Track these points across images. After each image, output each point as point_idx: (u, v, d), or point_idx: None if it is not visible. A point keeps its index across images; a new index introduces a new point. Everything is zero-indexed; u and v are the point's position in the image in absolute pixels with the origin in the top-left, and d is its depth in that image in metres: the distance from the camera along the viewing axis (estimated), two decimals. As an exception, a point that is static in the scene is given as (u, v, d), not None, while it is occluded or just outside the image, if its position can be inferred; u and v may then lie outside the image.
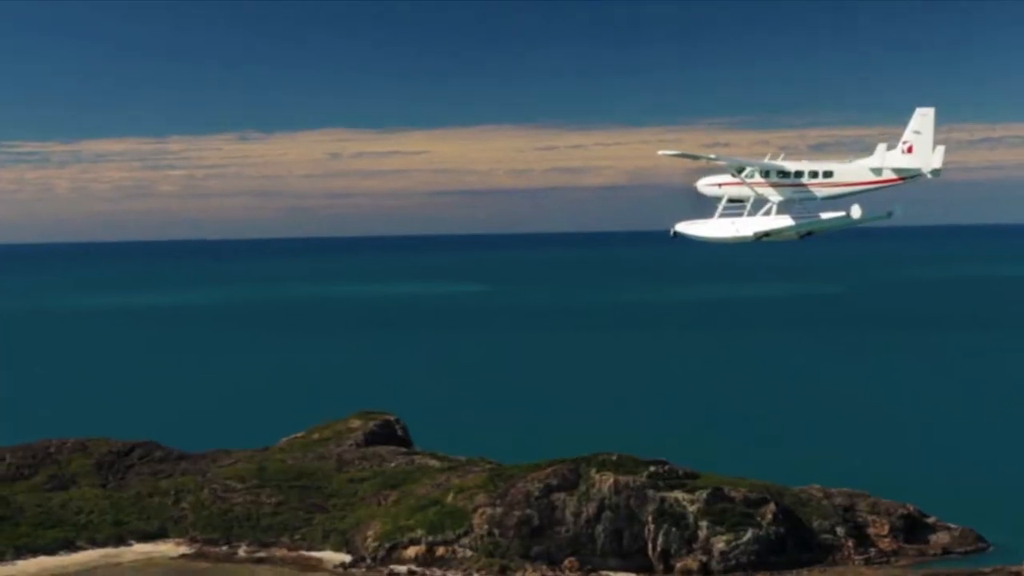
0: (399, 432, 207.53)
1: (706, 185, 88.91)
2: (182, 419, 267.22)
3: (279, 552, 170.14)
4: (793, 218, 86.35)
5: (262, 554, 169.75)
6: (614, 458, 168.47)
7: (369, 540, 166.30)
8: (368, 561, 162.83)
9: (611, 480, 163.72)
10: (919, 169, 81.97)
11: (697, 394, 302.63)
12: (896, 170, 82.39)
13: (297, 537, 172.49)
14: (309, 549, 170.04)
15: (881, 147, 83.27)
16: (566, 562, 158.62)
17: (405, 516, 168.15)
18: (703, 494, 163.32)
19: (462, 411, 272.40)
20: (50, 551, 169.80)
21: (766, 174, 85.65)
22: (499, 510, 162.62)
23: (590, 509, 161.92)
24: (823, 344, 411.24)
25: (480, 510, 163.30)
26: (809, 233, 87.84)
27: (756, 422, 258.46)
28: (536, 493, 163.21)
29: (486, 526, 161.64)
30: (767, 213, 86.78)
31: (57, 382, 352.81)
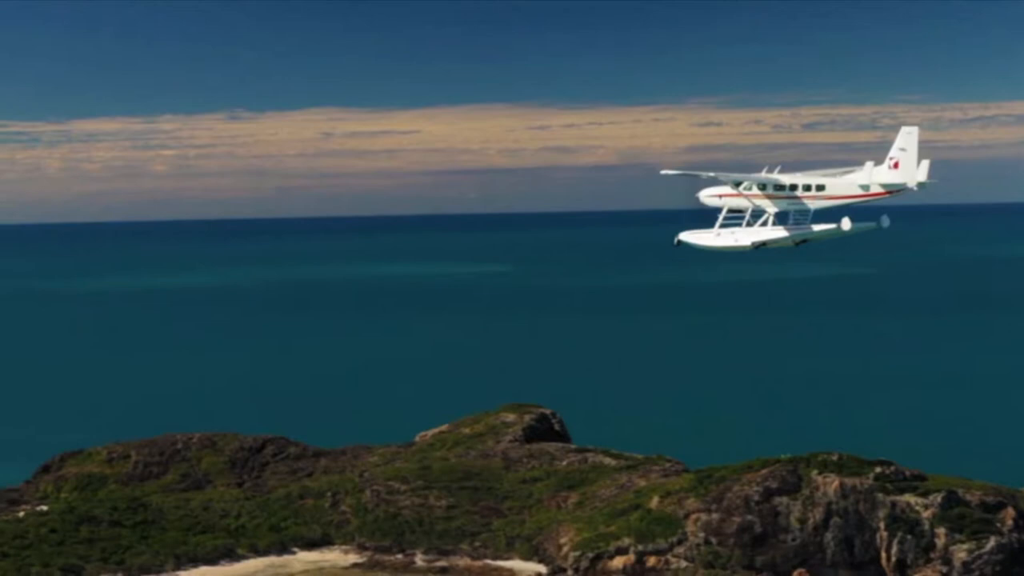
0: (556, 427, 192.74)
1: (708, 196, 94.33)
2: (300, 411, 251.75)
3: (461, 561, 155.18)
4: (788, 229, 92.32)
5: (443, 563, 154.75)
6: (835, 458, 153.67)
7: (566, 549, 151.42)
8: (570, 573, 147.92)
9: (836, 483, 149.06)
10: (905, 183, 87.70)
11: (866, 383, 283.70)
12: (883, 185, 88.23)
13: (477, 544, 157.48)
14: (495, 558, 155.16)
15: (869, 164, 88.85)
16: (795, 573, 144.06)
17: (603, 522, 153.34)
18: (937, 498, 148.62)
19: (606, 402, 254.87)
20: (211, 560, 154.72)
21: (763, 187, 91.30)
22: (715, 516, 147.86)
23: (816, 515, 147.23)
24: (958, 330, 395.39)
25: (693, 516, 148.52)
26: (804, 241, 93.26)
27: (947, 415, 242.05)
28: (756, 497, 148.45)
29: (702, 534, 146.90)
30: (764, 224, 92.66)
31: (144, 370, 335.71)
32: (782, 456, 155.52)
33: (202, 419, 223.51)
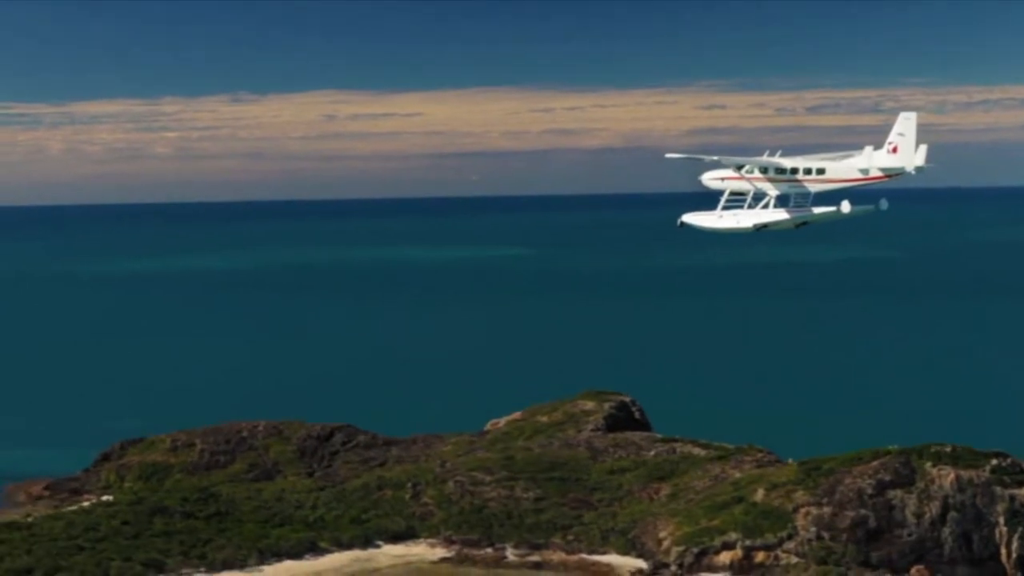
0: (636, 415, 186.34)
1: (710, 179, 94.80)
2: (362, 398, 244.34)
3: (555, 555, 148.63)
4: (789, 211, 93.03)
5: (536, 558, 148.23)
6: (949, 449, 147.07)
7: (666, 543, 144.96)
8: (673, 568, 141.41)
9: (952, 475, 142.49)
10: (903, 168, 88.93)
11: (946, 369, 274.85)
12: (882, 169, 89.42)
13: (570, 537, 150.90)
14: (590, 552, 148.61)
15: (868, 148, 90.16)
16: (913, 570, 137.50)
17: (704, 515, 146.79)
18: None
19: (680, 388, 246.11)
20: (294, 554, 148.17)
21: (764, 171, 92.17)
22: (827, 510, 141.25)
23: (933, 509, 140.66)
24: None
25: (804, 510, 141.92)
26: (804, 224, 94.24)
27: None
28: (869, 491, 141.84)
29: (813, 528, 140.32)
30: (765, 206, 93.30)
31: (194, 355, 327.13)
32: (891, 447, 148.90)
33: (261, 406, 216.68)
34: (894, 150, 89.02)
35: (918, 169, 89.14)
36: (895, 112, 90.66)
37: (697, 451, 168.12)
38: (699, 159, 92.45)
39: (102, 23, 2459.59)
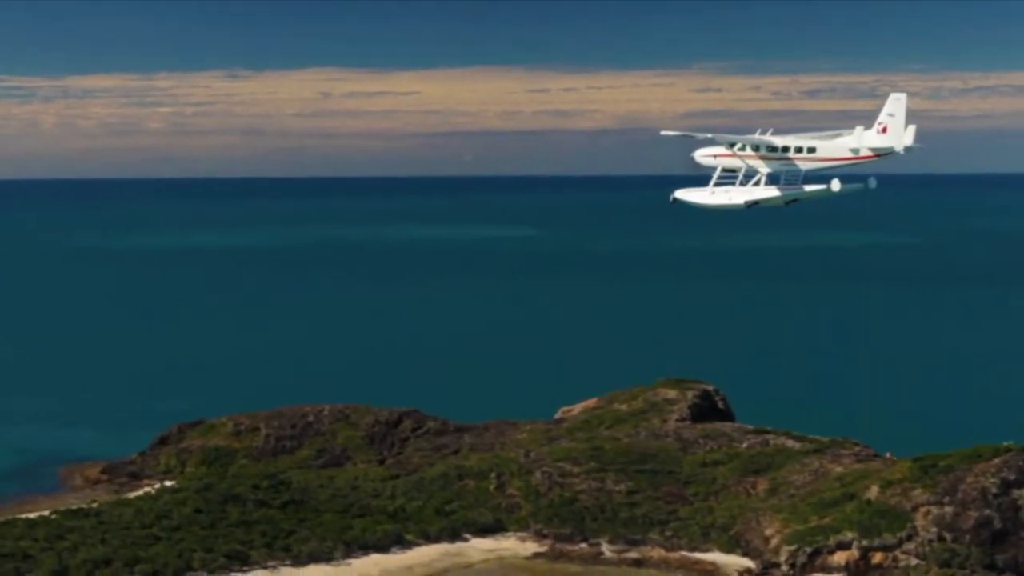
0: (720, 404, 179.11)
1: (703, 156, 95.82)
2: (425, 382, 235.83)
3: (654, 552, 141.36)
4: (780, 189, 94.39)
5: (634, 554, 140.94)
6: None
7: (775, 542, 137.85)
8: (784, 568, 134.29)
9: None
10: (892, 147, 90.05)
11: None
12: (872, 148, 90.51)
13: (668, 533, 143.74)
14: (691, 549, 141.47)
15: (859, 128, 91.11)
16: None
17: (813, 513, 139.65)
18: None
19: (754, 375, 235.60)
20: (381, 547, 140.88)
21: (756, 148, 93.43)
22: (948, 510, 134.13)
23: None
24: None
25: (923, 509, 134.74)
26: (794, 201, 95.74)
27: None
28: (993, 490, 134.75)
29: (934, 529, 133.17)
30: (757, 183, 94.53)
31: (245, 335, 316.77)
32: (1010, 444, 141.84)
33: (318, 388, 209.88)
34: (884, 130, 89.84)
35: (907, 149, 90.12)
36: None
37: (791, 443, 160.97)
38: (693, 136, 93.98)
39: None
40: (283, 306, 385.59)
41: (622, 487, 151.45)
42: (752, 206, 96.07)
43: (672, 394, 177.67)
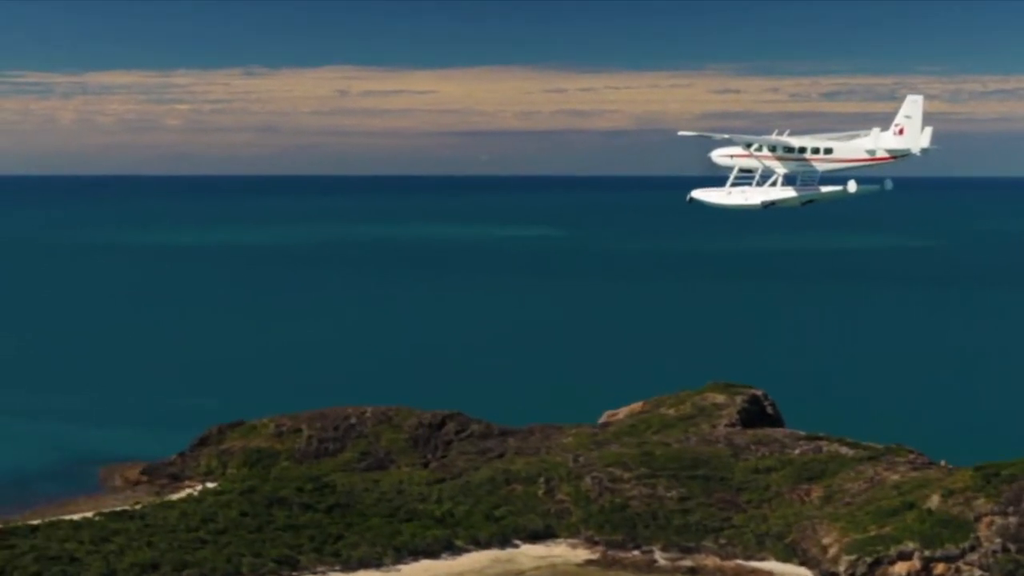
0: (769, 409, 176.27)
1: (720, 156, 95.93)
2: (465, 383, 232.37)
3: (708, 560, 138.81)
4: (796, 189, 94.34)
5: (688, 562, 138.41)
6: None
7: (833, 551, 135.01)
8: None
9: None
10: (909, 149, 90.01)
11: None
12: (889, 150, 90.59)
13: (723, 541, 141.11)
14: (746, 557, 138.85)
15: (875, 129, 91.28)
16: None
17: (872, 522, 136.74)
18: None
19: (798, 378, 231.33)
20: (431, 553, 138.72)
21: (773, 149, 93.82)
22: (1013, 520, 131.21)
23: None
24: None
25: (987, 519, 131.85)
26: (811, 202, 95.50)
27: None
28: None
29: (998, 540, 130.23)
30: (773, 184, 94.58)
31: (278, 333, 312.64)
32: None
33: (358, 389, 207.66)
34: (900, 132, 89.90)
35: (924, 151, 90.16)
36: None
37: (844, 450, 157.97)
38: (710, 137, 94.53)
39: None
40: (313, 304, 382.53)
41: (674, 493, 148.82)
42: (768, 206, 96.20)
43: (721, 399, 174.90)
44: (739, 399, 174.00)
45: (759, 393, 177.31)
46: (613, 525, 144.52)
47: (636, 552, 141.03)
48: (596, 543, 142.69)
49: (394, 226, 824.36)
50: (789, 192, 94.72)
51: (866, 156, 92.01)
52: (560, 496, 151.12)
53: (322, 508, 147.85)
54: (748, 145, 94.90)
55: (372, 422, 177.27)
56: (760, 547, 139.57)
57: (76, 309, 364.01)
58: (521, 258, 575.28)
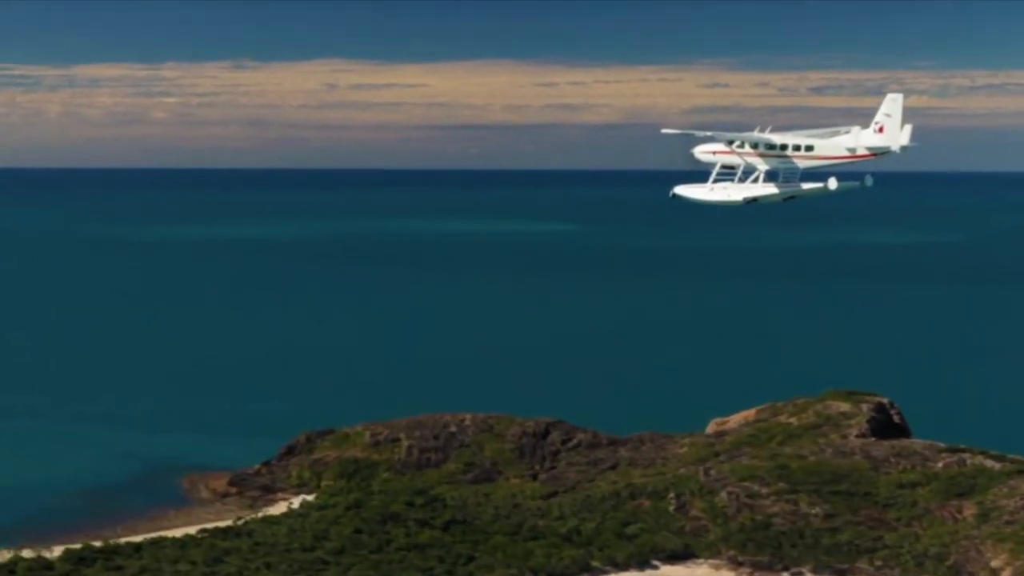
0: (896, 418, 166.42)
1: (702, 152, 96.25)
2: (558, 387, 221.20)
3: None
4: (778, 186, 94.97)
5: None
6: None
7: (1006, 574, 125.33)
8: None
9: None
10: (889, 147, 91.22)
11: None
12: (869, 148, 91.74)
13: (878, 563, 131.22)
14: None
15: (856, 128, 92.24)
16: None
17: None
18: None
19: (912, 386, 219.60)
20: (569, 575, 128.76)
21: (755, 146, 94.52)
22: None
23: None
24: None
25: None
26: (792, 198, 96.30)
27: None
28: None
29: None
30: (755, 180, 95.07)
31: (358, 336, 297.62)
32: None
33: (438, 393, 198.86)
34: (880, 130, 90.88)
35: (903, 148, 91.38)
36: (898, 93, 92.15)
37: (990, 463, 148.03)
38: (693, 134, 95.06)
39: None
40: (373, 303, 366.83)
41: (818, 510, 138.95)
42: (750, 203, 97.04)
43: (845, 407, 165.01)
44: (865, 407, 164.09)
45: (885, 401, 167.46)
46: (757, 544, 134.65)
47: (785, 574, 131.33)
48: (740, 564, 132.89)
49: (423, 221, 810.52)
50: (771, 188, 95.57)
51: (847, 153, 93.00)
52: (694, 512, 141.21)
53: (439, 525, 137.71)
54: (730, 142, 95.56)
55: (473, 431, 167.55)
56: (919, 568, 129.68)
57: (125, 309, 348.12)
58: (565, 254, 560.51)
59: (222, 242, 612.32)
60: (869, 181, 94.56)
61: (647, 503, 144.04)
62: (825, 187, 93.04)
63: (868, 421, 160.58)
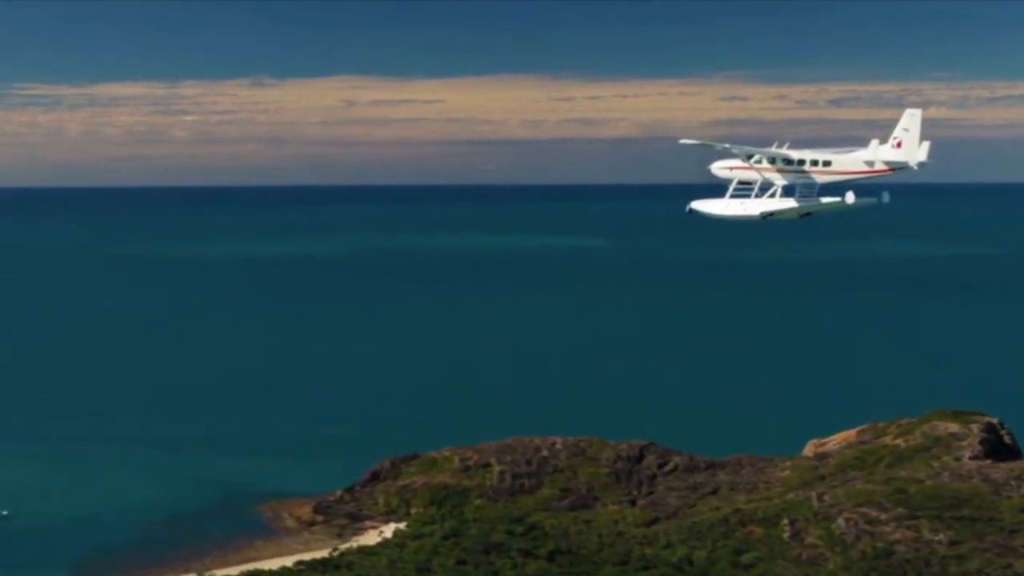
0: (1006, 439, 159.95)
1: (719, 168, 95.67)
2: (642, 407, 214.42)
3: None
4: (795, 201, 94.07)
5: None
6: None
7: None
8: None
9: None
10: (906, 162, 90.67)
11: None
12: (887, 163, 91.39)
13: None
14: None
15: (874, 142, 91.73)
16: None
17: None
18: None
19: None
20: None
21: (772, 161, 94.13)
22: None
23: None
24: None
25: None
26: (809, 214, 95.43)
27: None
28: None
29: None
30: (772, 195, 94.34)
31: (433, 357, 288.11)
32: None
33: (514, 415, 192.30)
34: (898, 145, 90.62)
35: (920, 164, 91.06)
36: (917, 106, 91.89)
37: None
38: (711, 146, 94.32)
39: (124, 4, 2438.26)
40: (437, 322, 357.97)
41: (941, 537, 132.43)
42: (767, 218, 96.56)
43: (954, 427, 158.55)
44: (975, 428, 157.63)
45: (994, 421, 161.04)
46: (880, 574, 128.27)
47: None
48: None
49: (462, 236, 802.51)
50: (788, 203, 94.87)
51: (865, 168, 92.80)
52: (810, 540, 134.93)
53: (543, 555, 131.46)
54: (748, 157, 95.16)
55: (565, 455, 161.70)
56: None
57: (182, 329, 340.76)
58: (609, 269, 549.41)
59: (268, 260, 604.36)
60: (886, 197, 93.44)
61: (759, 530, 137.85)
62: (842, 202, 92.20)
63: (980, 442, 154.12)
